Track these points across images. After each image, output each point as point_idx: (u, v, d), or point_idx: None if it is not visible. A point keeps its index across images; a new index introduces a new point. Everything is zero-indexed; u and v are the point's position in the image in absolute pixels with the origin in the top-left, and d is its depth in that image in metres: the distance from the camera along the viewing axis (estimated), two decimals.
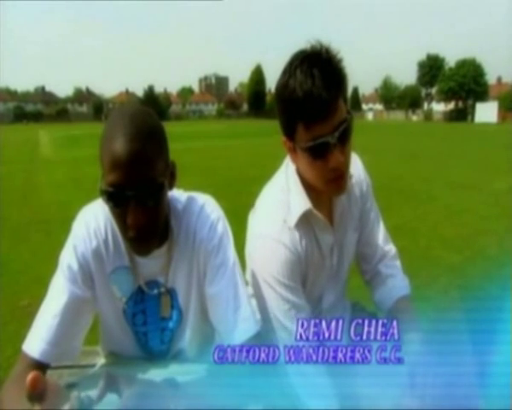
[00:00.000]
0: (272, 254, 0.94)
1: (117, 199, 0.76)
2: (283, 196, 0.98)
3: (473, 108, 46.51)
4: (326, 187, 0.92)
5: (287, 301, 0.94)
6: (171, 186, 0.87)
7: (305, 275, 1.01)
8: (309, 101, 0.79)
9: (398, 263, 1.14)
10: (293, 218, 0.95)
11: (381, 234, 1.13)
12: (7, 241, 4.35)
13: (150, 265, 0.91)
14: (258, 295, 0.97)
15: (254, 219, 1.03)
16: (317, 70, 0.80)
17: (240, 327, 0.86)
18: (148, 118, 0.81)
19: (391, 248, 1.14)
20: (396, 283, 1.09)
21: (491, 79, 56.63)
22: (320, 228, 1.01)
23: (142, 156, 0.74)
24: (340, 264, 1.09)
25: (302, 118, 0.82)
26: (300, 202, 0.96)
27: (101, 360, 1.04)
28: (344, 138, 0.85)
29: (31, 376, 0.55)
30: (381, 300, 1.09)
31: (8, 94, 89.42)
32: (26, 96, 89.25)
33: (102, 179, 0.76)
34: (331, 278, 1.09)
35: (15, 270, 3.54)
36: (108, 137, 0.76)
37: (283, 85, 0.84)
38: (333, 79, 0.81)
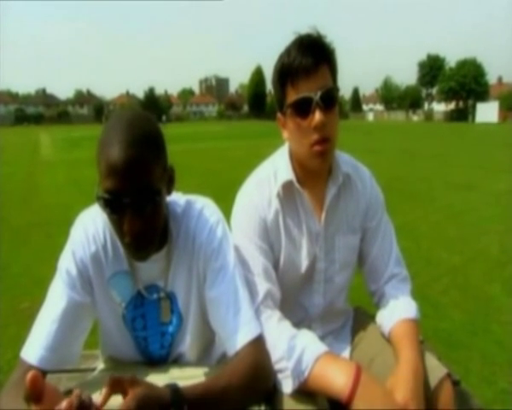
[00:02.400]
0: (243, 207, 1.04)
1: (113, 206, 0.75)
2: (271, 169, 1.06)
3: (473, 108, 46.47)
4: (310, 151, 0.95)
5: (250, 256, 0.98)
6: (169, 191, 0.87)
7: (280, 248, 1.03)
8: (295, 61, 0.91)
9: (406, 287, 1.09)
10: (277, 187, 1.02)
11: (391, 255, 1.10)
12: (7, 243, 4.36)
13: (149, 269, 0.91)
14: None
15: (240, 189, 1.09)
16: (306, 42, 0.93)
17: (240, 331, 0.85)
18: (145, 123, 0.80)
19: (401, 271, 1.11)
20: (399, 305, 1.03)
21: (491, 78, 56.72)
22: (305, 210, 1.04)
23: (139, 163, 0.74)
24: (332, 268, 1.08)
25: (290, 77, 0.92)
26: (286, 174, 1.02)
27: (100, 365, 1.03)
28: (328, 103, 0.92)
29: (30, 375, 0.55)
30: (382, 322, 1.05)
31: (9, 96, 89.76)
32: (27, 99, 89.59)
33: (99, 185, 0.76)
34: (320, 282, 1.09)
35: (16, 272, 3.54)
36: (105, 143, 0.75)
37: (278, 59, 0.96)
38: (319, 48, 0.92)
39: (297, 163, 1.04)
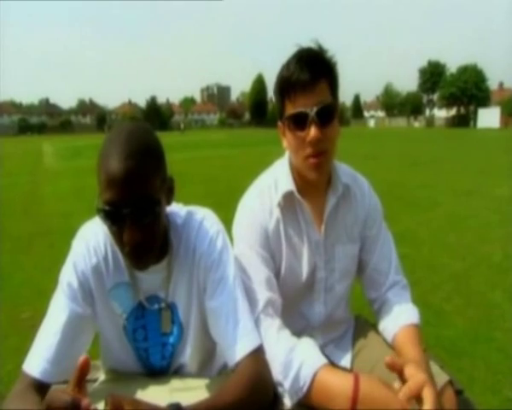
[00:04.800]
0: (244, 217, 1.04)
1: (113, 217, 0.76)
2: (272, 179, 1.07)
3: (475, 113, 46.57)
4: (305, 163, 0.97)
5: (252, 265, 0.98)
6: (168, 201, 0.88)
7: (281, 257, 1.04)
8: (292, 75, 0.93)
9: (407, 294, 1.10)
10: (278, 197, 1.03)
11: (392, 263, 1.11)
12: (9, 252, 4.36)
13: (150, 280, 0.91)
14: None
15: (241, 200, 1.09)
16: (305, 56, 0.95)
17: (240, 342, 0.85)
18: (144, 134, 0.81)
19: (401, 279, 1.12)
20: (403, 310, 1.04)
21: (492, 84, 56.82)
22: (305, 219, 1.05)
23: (137, 174, 0.75)
24: (332, 277, 1.09)
25: (287, 91, 0.94)
26: (286, 184, 1.04)
27: (101, 376, 1.03)
28: (324, 118, 0.93)
29: (83, 358, 0.61)
30: (386, 327, 1.05)
31: (13, 106, 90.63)
32: (30, 109, 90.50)
33: (99, 197, 0.77)
34: (320, 291, 1.09)
35: (17, 282, 3.54)
36: (104, 156, 0.77)
37: (279, 71, 0.98)
38: (317, 63, 0.94)
39: (297, 173, 1.05)
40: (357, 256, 1.12)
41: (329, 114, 0.94)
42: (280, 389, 0.88)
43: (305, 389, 0.83)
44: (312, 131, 0.92)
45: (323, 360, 0.86)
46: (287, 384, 0.85)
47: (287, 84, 0.94)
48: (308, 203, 1.04)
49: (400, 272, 1.13)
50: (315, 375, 0.83)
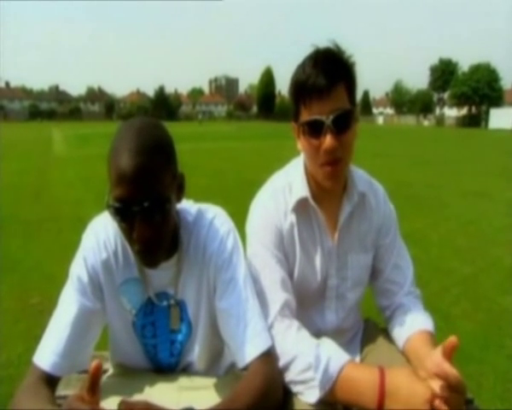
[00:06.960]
0: (259, 216, 1.02)
1: (123, 214, 0.75)
2: (286, 181, 1.04)
3: (487, 113, 45.83)
4: (320, 171, 0.94)
5: (267, 266, 0.97)
6: (179, 198, 0.86)
7: (295, 260, 1.02)
8: (308, 80, 0.88)
9: (420, 303, 1.08)
10: (292, 201, 1.01)
11: (408, 277, 1.09)
12: (18, 238, 4.40)
13: (160, 276, 0.90)
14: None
15: (255, 199, 1.07)
16: (322, 59, 0.90)
17: (251, 343, 0.84)
18: (155, 131, 0.79)
19: (415, 290, 1.10)
20: (418, 316, 1.02)
21: (506, 84, 55.74)
22: (319, 226, 1.03)
23: (147, 171, 0.73)
24: (343, 285, 1.07)
25: (302, 96, 0.90)
26: (301, 189, 1.01)
27: (110, 369, 1.03)
28: (340, 126, 0.89)
29: (94, 364, 0.59)
30: (400, 330, 1.02)
31: (23, 92, 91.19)
32: (40, 95, 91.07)
33: (109, 194, 0.76)
34: (332, 299, 1.07)
35: (26, 267, 3.57)
36: (115, 152, 0.75)
37: (295, 72, 0.94)
38: (334, 68, 0.89)
39: (312, 178, 1.02)
40: (370, 266, 1.10)
41: (346, 121, 0.90)
42: (301, 388, 0.86)
43: (332, 382, 0.82)
44: (328, 140, 0.89)
45: (348, 357, 0.85)
46: (318, 375, 0.83)
47: (302, 89, 0.89)
48: (322, 210, 1.02)
49: (414, 284, 1.10)
50: (341, 371, 0.82)
